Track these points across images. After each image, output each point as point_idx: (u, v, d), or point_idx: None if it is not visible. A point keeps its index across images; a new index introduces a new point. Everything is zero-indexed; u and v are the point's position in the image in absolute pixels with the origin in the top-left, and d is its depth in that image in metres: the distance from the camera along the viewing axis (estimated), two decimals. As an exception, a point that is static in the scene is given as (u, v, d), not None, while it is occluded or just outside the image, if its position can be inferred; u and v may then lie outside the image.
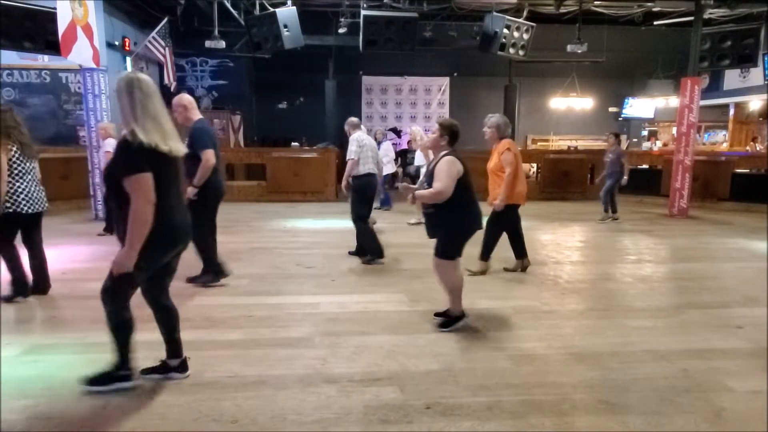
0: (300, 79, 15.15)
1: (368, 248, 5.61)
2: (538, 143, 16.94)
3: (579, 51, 10.81)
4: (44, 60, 9.85)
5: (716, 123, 16.67)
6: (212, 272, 4.58)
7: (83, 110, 8.54)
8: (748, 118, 15.83)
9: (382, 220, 8.55)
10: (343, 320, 3.81)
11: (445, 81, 16.50)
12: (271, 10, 9.01)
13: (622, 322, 3.85)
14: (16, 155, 3.96)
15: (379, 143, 10.12)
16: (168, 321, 2.78)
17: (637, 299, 4.44)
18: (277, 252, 6.08)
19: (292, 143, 13.42)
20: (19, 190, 3.99)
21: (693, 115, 9.07)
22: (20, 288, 4.18)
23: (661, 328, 3.73)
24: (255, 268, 5.32)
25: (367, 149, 5.48)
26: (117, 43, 10.88)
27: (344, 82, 15.11)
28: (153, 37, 10.44)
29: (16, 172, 3.97)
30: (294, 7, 8.95)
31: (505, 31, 9.30)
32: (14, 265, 4.15)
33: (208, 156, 4.16)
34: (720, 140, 16.54)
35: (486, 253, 5.09)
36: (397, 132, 15.61)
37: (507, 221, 5.07)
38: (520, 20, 9.82)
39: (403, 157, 12.71)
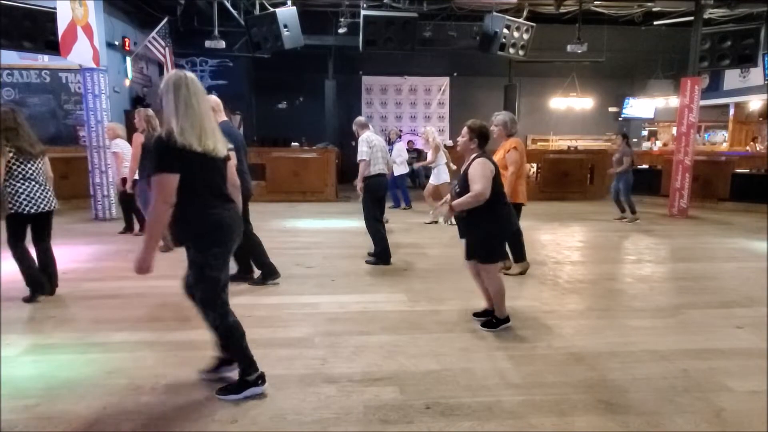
0: (300, 79, 15.15)
1: (376, 252, 5.56)
2: (538, 143, 16.93)
3: (579, 51, 10.81)
4: (44, 60, 9.85)
5: (716, 123, 16.66)
6: (263, 273, 4.72)
7: (83, 110, 8.54)
8: (748, 118, 15.83)
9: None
10: (343, 320, 3.81)
11: (445, 81, 16.50)
12: (271, 10, 9.01)
13: (622, 322, 3.85)
14: (15, 157, 3.98)
15: (392, 143, 10.16)
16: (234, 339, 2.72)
17: (637, 299, 4.44)
18: (276, 252, 6.05)
19: (292, 143, 13.41)
20: (20, 191, 4.01)
21: (693, 115, 9.08)
22: (37, 287, 4.21)
23: (661, 328, 3.73)
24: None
25: (377, 149, 5.46)
26: (117, 43, 10.88)
27: (344, 82, 15.10)
28: (153, 37, 10.45)
29: (16, 173, 4.00)
30: (294, 7, 8.96)
31: (505, 31, 9.30)
32: (27, 265, 4.18)
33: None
34: (720, 140, 16.53)
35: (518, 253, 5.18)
36: (399, 133, 15.60)
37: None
38: (520, 20, 9.82)
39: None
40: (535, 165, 12.99)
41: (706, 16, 9.57)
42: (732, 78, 14.66)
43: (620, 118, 17.02)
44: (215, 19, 9.95)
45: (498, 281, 3.60)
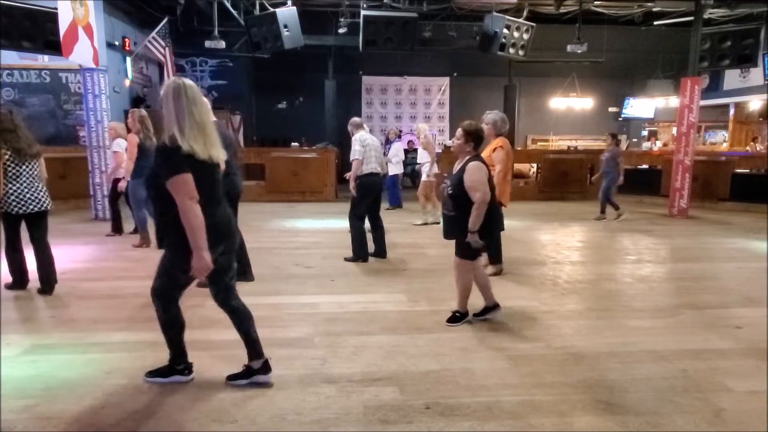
0: (300, 79, 15.16)
1: (354, 248, 5.61)
2: (538, 143, 16.95)
3: (579, 51, 10.81)
4: (44, 60, 9.85)
5: (716, 123, 16.67)
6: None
7: (83, 110, 8.55)
8: (748, 118, 15.83)
9: (383, 221, 8.56)
10: (343, 320, 3.81)
11: (445, 81, 16.50)
12: (271, 10, 9.02)
13: (621, 322, 3.85)
14: (11, 158, 4.04)
15: (390, 143, 10.17)
16: (239, 322, 2.78)
17: (637, 299, 4.44)
18: (276, 252, 6.09)
19: (292, 143, 13.43)
20: (10, 191, 4.08)
21: (693, 115, 9.08)
22: (18, 283, 4.40)
23: (661, 329, 3.73)
24: (254, 268, 5.28)
25: (370, 149, 5.49)
26: (117, 43, 10.89)
27: (344, 82, 15.11)
28: (153, 37, 10.45)
29: (10, 174, 4.07)
30: (294, 7, 8.96)
31: (505, 31, 9.30)
32: (15, 266, 4.34)
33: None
34: (720, 140, 16.54)
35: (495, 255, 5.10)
36: (398, 133, 15.61)
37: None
38: (520, 20, 9.83)
39: (405, 157, 12.73)
40: (535, 165, 13.01)
41: (706, 16, 9.57)
42: (732, 78, 14.66)
43: (620, 118, 17.03)
44: (215, 19, 9.96)
45: (468, 279, 3.69)
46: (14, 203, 4.09)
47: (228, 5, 10.27)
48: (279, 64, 13.82)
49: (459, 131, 3.59)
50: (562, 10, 11.08)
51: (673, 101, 14.61)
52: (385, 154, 10.08)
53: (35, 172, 4.27)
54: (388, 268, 5.37)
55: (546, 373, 2.97)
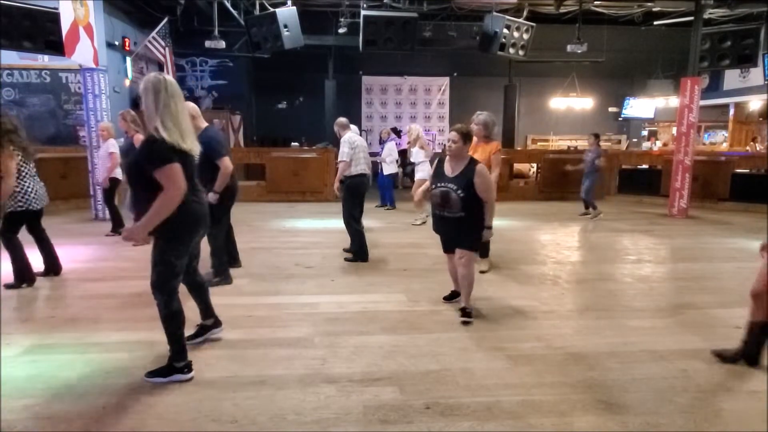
0: (300, 79, 15.16)
1: (354, 248, 5.66)
2: (538, 143, 16.93)
3: (579, 51, 10.81)
4: (44, 60, 9.85)
5: (716, 123, 16.67)
6: (222, 274, 4.71)
7: (83, 110, 8.55)
8: (748, 118, 15.83)
9: (383, 220, 8.56)
10: (343, 320, 3.81)
11: (445, 81, 16.50)
12: (271, 10, 9.01)
13: (621, 322, 3.85)
14: (21, 158, 4.22)
15: (383, 143, 10.16)
16: (203, 293, 3.24)
17: (637, 299, 4.44)
18: (276, 252, 6.09)
19: (292, 143, 13.42)
20: (29, 189, 4.37)
21: (693, 115, 9.07)
22: (23, 277, 4.52)
23: (661, 328, 3.73)
24: (254, 268, 5.32)
25: (359, 150, 5.51)
26: (117, 43, 10.88)
27: (344, 82, 15.10)
28: (153, 37, 10.45)
29: (23, 174, 4.31)
30: (294, 7, 8.95)
31: (505, 31, 9.30)
32: (19, 256, 4.49)
33: (227, 164, 4.35)
34: (720, 140, 16.54)
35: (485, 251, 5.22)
36: (397, 132, 15.58)
37: None
38: (520, 20, 9.82)
39: (403, 157, 12.73)
40: (535, 165, 13.01)
41: (706, 16, 9.57)
42: (732, 78, 14.66)
43: (620, 118, 17.03)
44: (215, 19, 9.96)
45: (473, 272, 3.86)
46: (34, 200, 4.40)
47: (228, 5, 10.26)
48: (279, 64, 13.81)
49: (455, 134, 3.67)
50: (562, 10, 11.08)
51: (673, 101, 14.61)
52: (378, 154, 10.11)
53: (35, 171, 4.51)
54: (388, 268, 5.37)
55: (546, 373, 2.97)
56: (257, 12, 9.91)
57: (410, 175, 12.47)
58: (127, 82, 11.40)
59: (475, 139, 4.86)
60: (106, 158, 6.86)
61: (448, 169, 3.73)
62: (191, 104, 4.38)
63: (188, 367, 2.84)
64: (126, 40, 11.27)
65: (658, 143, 16.74)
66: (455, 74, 16.33)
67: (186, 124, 2.67)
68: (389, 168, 9.71)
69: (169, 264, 2.69)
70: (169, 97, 2.58)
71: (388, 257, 5.84)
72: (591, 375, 2.94)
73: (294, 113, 15.83)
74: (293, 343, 3.36)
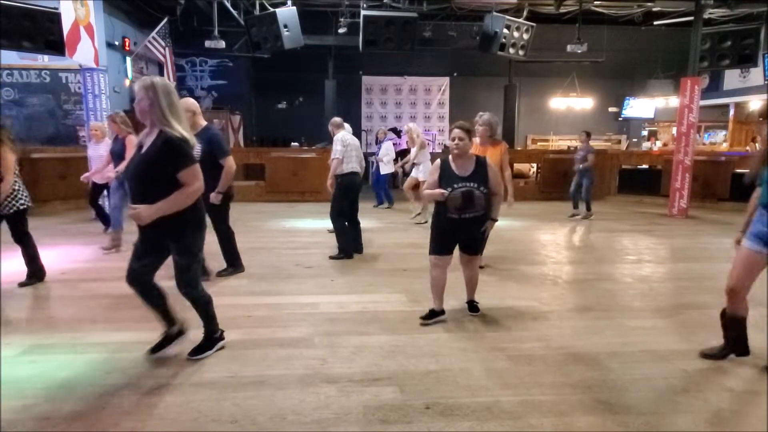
0: (300, 79, 15.16)
1: (340, 246, 5.72)
2: (538, 143, 16.94)
3: (579, 51, 10.81)
4: (44, 60, 9.85)
5: (716, 123, 16.67)
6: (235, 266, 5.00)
7: (83, 110, 8.55)
8: (748, 118, 15.82)
9: (383, 220, 8.56)
10: (343, 320, 3.81)
11: (445, 81, 16.50)
12: (271, 10, 9.01)
13: (621, 322, 3.85)
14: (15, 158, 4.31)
15: (380, 142, 10.14)
16: (200, 309, 3.13)
17: (637, 299, 4.44)
18: (276, 252, 6.09)
19: (292, 143, 13.43)
20: (23, 188, 4.46)
21: (693, 115, 9.08)
22: (36, 274, 4.68)
23: (661, 329, 3.73)
24: (254, 268, 5.32)
25: (351, 148, 5.60)
26: (117, 43, 10.89)
27: (344, 82, 15.10)
28: (153, 37, 10.46)
29: (17, 173, 4.39)
30: (294, 7, 8.96)
31: (505, 31, 9.30)
32: (34, 253, 4.62)
33: (231, 163, 4.38)
34: (720, 140, 16.54)
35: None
36: (397, 132, 15.61)
37: None
38: (520, 20, 9.83)
39: (403, 156, 12.73)
40: (535, 165, 13.02)
41: (706, 16, 9.57)
42: (732, 78, 14.66)
43: (620, 118, 17.03)
44: (215, 19, 9.96)
45: (477, 273, 3.96)
46: (27, 198, 4.50)
47: (228, 5, 10.27)
48: (279, 64, 13.82)
49: (459, 132, 3.51)
50: (562, 10, 11.08)
51: (673, 101, 14.61)
52: (375, 154, 10.09)
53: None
54: (388, 268, 5.37)
55: (546, 372, 2.97)
56: (257, 12, 9.92)
57: (408, 175, 12.45)
58: (127, 82, 11.40)
59: (477, 140, 4.87)
60: (104, 158, 6.82)
61: (458, 169, 3.54)
62: (191, 100, 4.38)
63: (222, 333, 3.18)
64: (126, 40, 11.28)
65: (658, 143, 16.74)
66: (455, 74, 16.34)
67: (186, 125, 2.80)
68: (386, 168, 9.68)
69: (197, 256, 2.85)
70: (177, 98, 2.73)
71: (388, 257, 5.84)
72: (591, 375, 2.94)
73: (294, 113, 15.83)
74: (293, 343, 3.36)
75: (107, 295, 4.34)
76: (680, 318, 3.95)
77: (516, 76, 14.84)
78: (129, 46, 11.32)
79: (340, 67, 14.41)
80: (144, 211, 2.64)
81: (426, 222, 8.00)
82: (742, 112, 15.75)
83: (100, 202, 7.20)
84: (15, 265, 5.27)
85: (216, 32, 10.00)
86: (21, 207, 4.39)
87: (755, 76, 13.22)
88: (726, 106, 15.67)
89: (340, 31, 11.87)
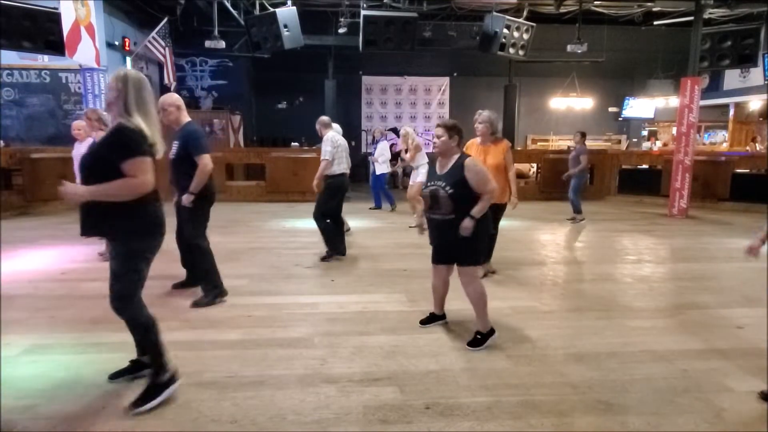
0: (300, 79, 15.16)
1: (328, 245, 5.66)
2: (538, 143, 16.94)
3: (579, 51, 10.82)
4: (44, 60, 9.86)
5: (716, 123, 16.67)
6: (214, 289, 4.18)
7: (83, 110, 8.54)
8: (748, 118, 15.83)
9: (383, 220, 8.56)
10: (343, 320, 3.81)
11: (445, 81, 16.50)
12: (271, 10, 9.02)
13: (621, 322, 3.85)
14: None
15: (376, 142, 10.10)
16: (135, 333, 2.63)
17: (637, 299, 4.44)
18: (276, 252, 6.09)
19: (292, 143, 13.43)
20: None
21: (693, 115, 9.08)
22: None
23: (661, 329, 3.73)
24: (254, 268, 5.32)
25: (341, 149, 5.53)
26: (117, 43, 10.89)
27: (344, 82, 15.10)
28: (153, 37, 10.45)
29: None
30: (294, 7, 8.96)
31: (505, 31, 9.30)
32: None
33: (206, 161, 3.86)
34: (720, 140, 16.54)
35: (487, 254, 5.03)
36: (397, 132, 15.62)
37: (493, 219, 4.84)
38: (520, 20, 9.83)
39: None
40: (535, 165, 13.02)
41: (706, 16, 9.57)
42: (732, 78, 14.66)
43: (620, 118, 17.03)
44: (215, 19, 9.96)
45: (480, 285, 3.40)
46: None
47: (228, 5, 10.27)
48: (279, 64, 13.82)
49: (439, 129, 3.37)
50: (562, 10, 11.08)
51: (673, 101, 14.61)
52: (371, 154, 10.01)
53: None
54: (388, 268, 5.37)
55: (546, 373, 2.97)
56: (257, 12, 9.92)
57: (410, 175, 12.42)
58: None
59: (478, 140, 4.84)
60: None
61: (439, 167, 3.42)
62: (175, 96, 4.08)
63: (174, 377, 2.59)
64: (126, 40, 11.28)
65: (658, 143, 16.74)
66: (455, 74, 16.33)
67: (156, 123, 2.54)
68: (381, 168, 9.58)
69: (137, 271, 2.45)
70: (148, 94, 2.48)
71: (388, 257, 5.84)
72: (591, 375, 2.94)
73: (294, 113, 15.83)
74: (293, 343, 3.36)
75: (107, 295, 4.34)
76: (680, 318, 3.95)
77: (516, 76, 14.84)
78: (129, 46, 11.32)
79: (340, 67, 14.40)
80: (72, 188, 2.35)
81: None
82: (742, 112, 15.75)
83: None
84: (15, 265, 5.28)
85: (216, 32, 10.00)
86: None
87: (755, 76, 13.23)
88: (726, 106, 15.67)
89: (340, 31, 11.88)
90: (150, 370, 2.57)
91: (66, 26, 6.93)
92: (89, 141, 6.76)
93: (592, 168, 11.87)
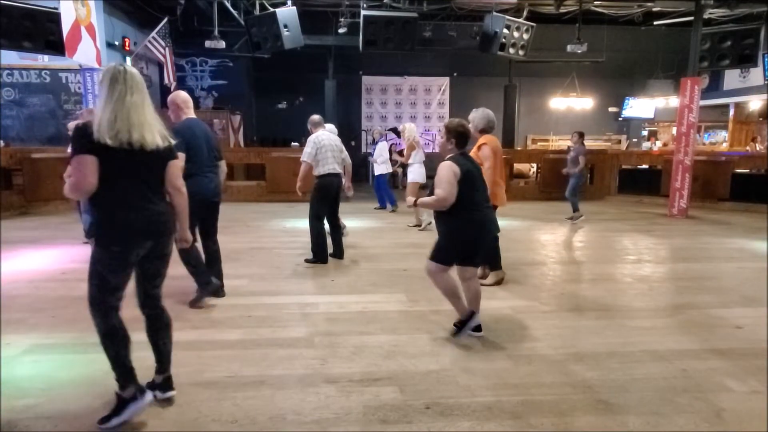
0: (300, 79, 15.16)
1: (314, 250, 5.51)
2: (538, 143, 16.94)
3: (579, 51, 10.82)
4: (44, 60, 9.86)
5: (716, 123, 16.67)
6: (206, 285, 4.09)
7: (82, 110, 8.55)
8: (748, 118, 15.83)
9: (383, 221, 8.57)
10: (343, 320, 3.81)
11: (445, 81, 16.51)
12: (271, 10, 9.02)
13: (621, 322, 3.85)
14: None
15: (375, 143, 10.10)
16: (160, 335, 2.59)
17: (637, 299, 4.44)
18: (276, 252, 6.09)
19: (292, 143, 13.41)
20: None
21: (693, 115, 9.08)
22: None
23: (661, 329, 3.73)
24: (254, 268, 5.32)
25: (326, 149, 5.35)
26: (117, 43, 10.89)
27: (344, 82, 15.11)
28: (153, 37, 10.46)
29: None
30: (294, 7, 8.96)
31: (505, 31, 9.30)
32: None
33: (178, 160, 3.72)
34: (720, 140, 16.54)
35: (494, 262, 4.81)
36: (397, 132, 15.61)
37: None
38: (520, 20, 9.83)
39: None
40: (535, 165, 13.02)
41: (706, 16, 9.57)
42: (732, 78, 14.66)
43: (620, 118, 17.04)
44: (215, 19, 9.96)
45: (443, 281, 3.45)
46: None
47: (228, 5, 10.27)
48: (279, 64, 13.82)
49: (443, 128, 3.47)
50: (562, 10, 11.08)
51: (673, 101, 14.61)
52: (371, 155, 9.99)
53: None
54: (388, 268, 5.37)
55: (546, 372, 2.97)
56: (257, 12, 9.92)
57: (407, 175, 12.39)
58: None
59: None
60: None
61: None
62: (182, 94, 4.08)
63: (141, 391, 2.42)
64: (126, 40, 11.28)
65: (658, 143, 16.74)
66: (455, 74, 16.34)
67: (142, 119, 2.33)
68: (380, 168, 9.54)
69: (100, 277, 2.34)
70: (127, 89, 2.30)
71: (388, 257, 5.85)
72: (591, 375, 2.94)
73: (294, 113, 15.82)
74: (293, 343, 3.36)
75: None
76: (680, 318, 3.95)
77: (516, 76, 14.84)
78: (129, 46, 11.32)
79: (340, 67, 14.41)
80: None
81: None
82: (742, 112, 15.75)
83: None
84: (15, 265, 5.29)
85: (216, 32, 10.00)
86: None
87: (755, 76, 13.22)
88: (726, 106, 15.68)
89: (340, 31, 11.88)
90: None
91: (66, 26, 6.93)
92: None
93: (592, 168, 11.90)
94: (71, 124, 6.86)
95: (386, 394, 2.70)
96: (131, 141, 2.29)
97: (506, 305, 4.18)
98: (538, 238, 7.29)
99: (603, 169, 11.96)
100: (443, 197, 3.24)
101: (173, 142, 2.50)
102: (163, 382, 2.58)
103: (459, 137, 3.38)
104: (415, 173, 7.99)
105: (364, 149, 15.79)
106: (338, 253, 5.72)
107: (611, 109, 16.98)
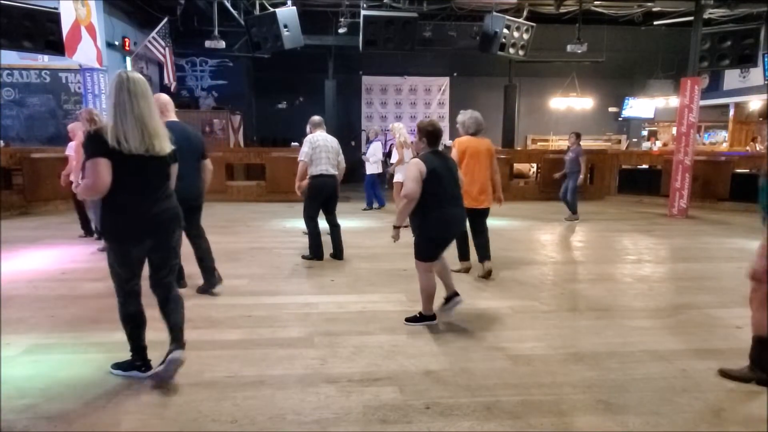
0: (300, 79, 15.15)
1: (310, 248, 5.64)
2: (538, 143, 16.94)
3: (579, 51, 10.82)
4: (44, 60, 9.86)
5: (716, 123, 16.67)
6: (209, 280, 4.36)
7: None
8: (748, 118, 15.83)
9: (381, 220, 8.56)
10: (343, 320, 3.81)
11: (445, 81, 16.50)
12: (271, 10, 9.02)
13: (621, 322, 3.85)
14: None
15: (370, 142, 10.08)
16: (171, 311, 2.81)
17: (637, 299, 4.44)
18: (276, 252, 6.09)
19: (292, 143, 13.40)
20: None
21: (693, 115, 9.08)
22: None
23: (660, 328, 3.73)
24: (254, 268, 5.32)
25: (320, 150, 5.39)
26: (117, 43, 10.89)
27: (344, 82, 15.11)
28: (153, 37, 10.46)
29: None
30: (294, 7, 8.97)
31: (505, 31, 9.31)
32: None
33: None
34: (720, 140, 16.54)
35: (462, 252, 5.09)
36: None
37: None
38: (520, 20, 9.83)
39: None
40: (535, 165, 13.02)
41: (706, 16, 9.57)
42: (732, 78, 14.66)
43: (620, 118, 17.03)
44: (215, 19, 9.96)
45: (425, 280, 3.65)
46: None
47: (228, 5, 10.27)
48: (279, 64, 13.81)
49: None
50: (562, 10, 11.09)
51: (673, 101, 14.61)
52: (364, 153, 9.97)
53: None
54: (388, 268, 5.36)
55: (546, 372, 2.97)
56: (257, 12, 9.92)
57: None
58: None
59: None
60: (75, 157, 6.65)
61: None
62: (163, 96, 4.07)
63: (145, 366, 2.82)
64: (126, 40, 11.28)
65: (658, 143, 16.74)
66: (455, 74, 16.33)
67: (153, 126, 2.52)
68: (371, 168, 9.52)
69: (111, 267, 2.66)
70: (132, 96, 2.46)
71: (388, 257, 5.84)
72: (591, 375, 2.94)
73: (294, 113, 15.82)
74: (293, 343, 3.36)
75: (107, 295, 4.31)
76: (680, 318, 3.95)
77: (516, 76, 14.84)
78: (129, 46, 11.32)
79: (340, 67, 14.41)
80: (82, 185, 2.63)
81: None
82: (742, 112, 15.75)
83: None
84: (15, 265, 5.29)
85: (216, 32, 10.00)
86: None
87: (755, 76, 13.22)
88: (726, 106, 15.68)
89: (340, 31, 11.88)
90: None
91: (66, 26, 6.92)
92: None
93: (592, 168, 11.91)
94: (71, 125, 6.87)
95: (386, 394, 2.70)
96: (147, 148, 2.51)
97: (506, 305, 4.18)
98: (538, 238, 7.29)
99: (603, 169, 11.97)
100: (407, 193, 3.43)
101: (173, 147, 2.69)
102: (175, 348, 2.76)
103: (429, 136, 3.58)
104: (403, 173, 7.92)
105: (363, 149, 15.79)
106: (337, 254, 5.73)
107: (611, 109, 16.98)
